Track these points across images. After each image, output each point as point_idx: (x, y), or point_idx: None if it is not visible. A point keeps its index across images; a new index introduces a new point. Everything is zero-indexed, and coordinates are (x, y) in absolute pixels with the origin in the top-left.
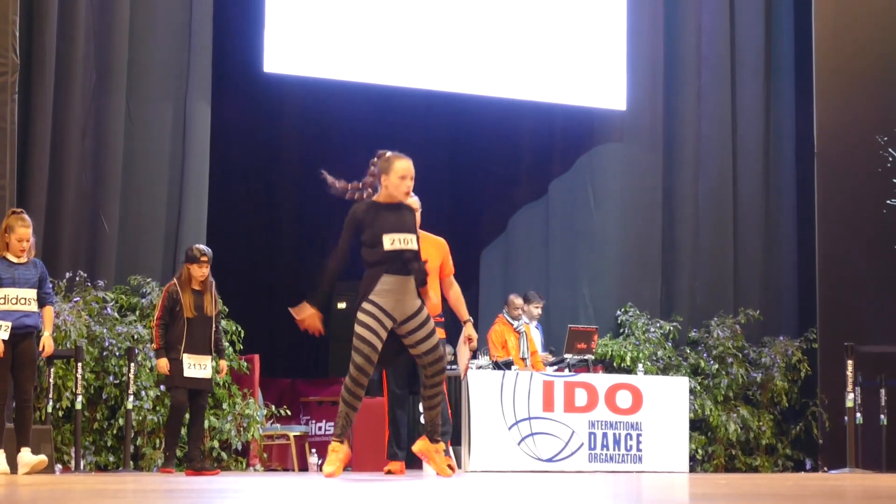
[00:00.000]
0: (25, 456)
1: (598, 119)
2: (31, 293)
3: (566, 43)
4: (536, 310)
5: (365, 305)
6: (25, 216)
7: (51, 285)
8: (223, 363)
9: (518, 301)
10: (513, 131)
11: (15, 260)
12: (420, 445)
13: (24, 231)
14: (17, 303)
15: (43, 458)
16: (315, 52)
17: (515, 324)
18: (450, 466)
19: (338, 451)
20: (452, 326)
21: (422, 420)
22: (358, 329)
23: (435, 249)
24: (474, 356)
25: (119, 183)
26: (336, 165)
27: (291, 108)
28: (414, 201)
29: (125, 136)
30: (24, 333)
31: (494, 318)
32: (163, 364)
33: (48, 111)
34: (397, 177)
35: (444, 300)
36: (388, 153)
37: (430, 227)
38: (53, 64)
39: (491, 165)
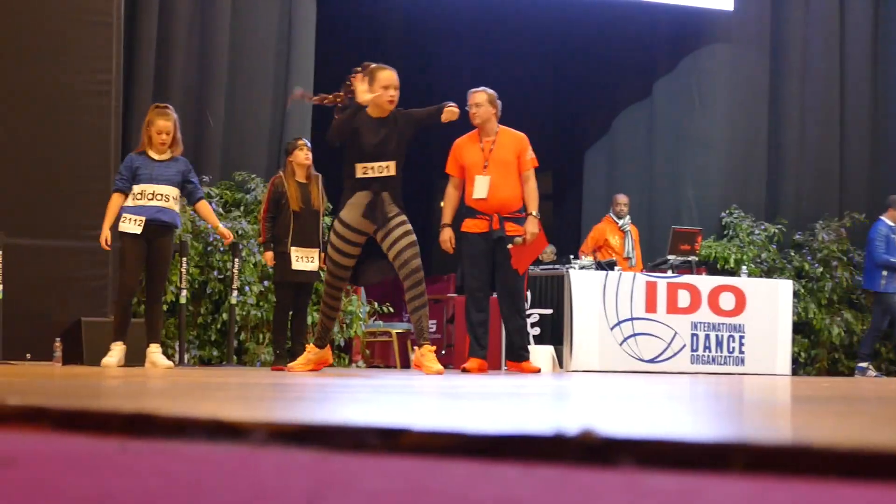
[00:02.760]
0: (156, 355)
1: (704, 19)
2: (170, 190)
3: None
4: None
5: (335, 224)
6: (168, 110)
7: (197, 180)
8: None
9: (622, 199)
10: (617, 31)
11: (156, 156)
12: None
13: (163, 123)
14: (152, 198)
15: (171, 364)
16: None
17: (620, 222)
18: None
19: (310, 353)
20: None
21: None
22: (330, 242)
23: (512, 143)
24: (577, 256)
25: (224, 79)
26: (440, 63)
27: (397, 6)
28: (477, 95)
29: (231, 32)
30: (160, 229)
31: (598, 217)
32: (269, 257)
33: (154, 6)
34: (380, 87)
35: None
36: (371, 65)
37: (533, 127)
38: None
39: (595, 66)
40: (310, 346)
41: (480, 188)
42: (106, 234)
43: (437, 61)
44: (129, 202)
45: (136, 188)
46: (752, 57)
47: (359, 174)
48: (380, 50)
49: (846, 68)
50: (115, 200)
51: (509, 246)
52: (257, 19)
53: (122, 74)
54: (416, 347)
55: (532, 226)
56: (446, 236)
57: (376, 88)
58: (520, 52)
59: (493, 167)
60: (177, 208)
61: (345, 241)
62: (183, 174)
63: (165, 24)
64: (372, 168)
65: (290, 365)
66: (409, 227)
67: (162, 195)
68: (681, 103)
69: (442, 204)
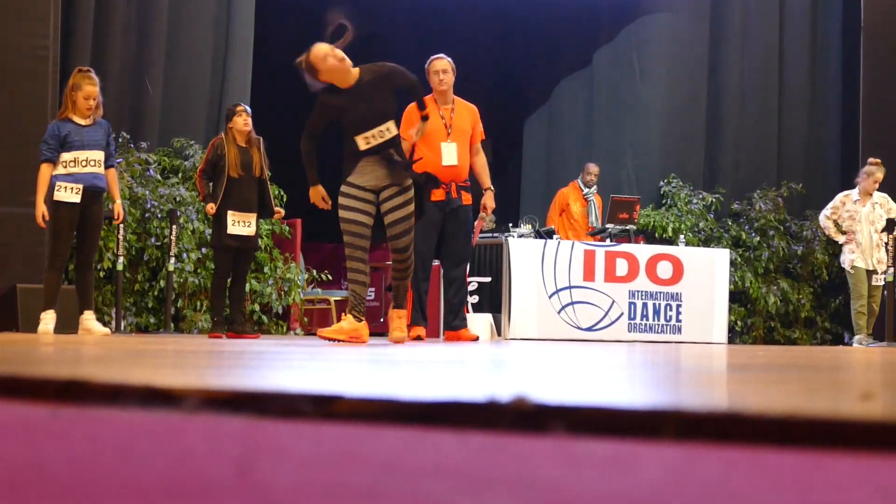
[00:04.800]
0: (91, 322)
1: None
2: (100, 155)
3: None
4: None
5: (343, 189)
6: (93, 74)
7: (114, 145)
8: (280, 210)
9: (594, 168)
10: (557, 1)
11: (82, 122)
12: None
13: (91, 88)
14: (87, 165)
15: (107, 331)
16: None
17: (586, 191)
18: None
19: (345, 321)
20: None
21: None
22: (341, 213)
23: (469, 113)
24: (516, 223)
25: (164, 45)
26: (379, 34)
27: None
28: (445, 62)
29: None
30: (95, 195)
31: (536, 187)
32: (210, 208)
33: None
34: (327, 75)
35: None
36: (308, 57)
37: (474, 94)
38: None
39: (535, 34)
40: (347, 316)
41: (450, 155)
42: (42, 209)
43: (377, 33)
44: (61, 170)
45: (68, 156)
46: (691, 26)
47: (362, 147)
48: (320, 18)
49: (785, 38)
50: (46, 171)
51: (479, 220)
52: None
53: (59, 40)
54: (391, 308)
55: (492, 200)
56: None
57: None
58: (460, 20)
59: (455, 135)
60: (104, 171)
61: (359, 199)
62: (107, 137)
63: None
64: (373, 136)
65: (321, 330)
66: (409, 196)
67: (95, 161)
68: (621, 72)
69: None
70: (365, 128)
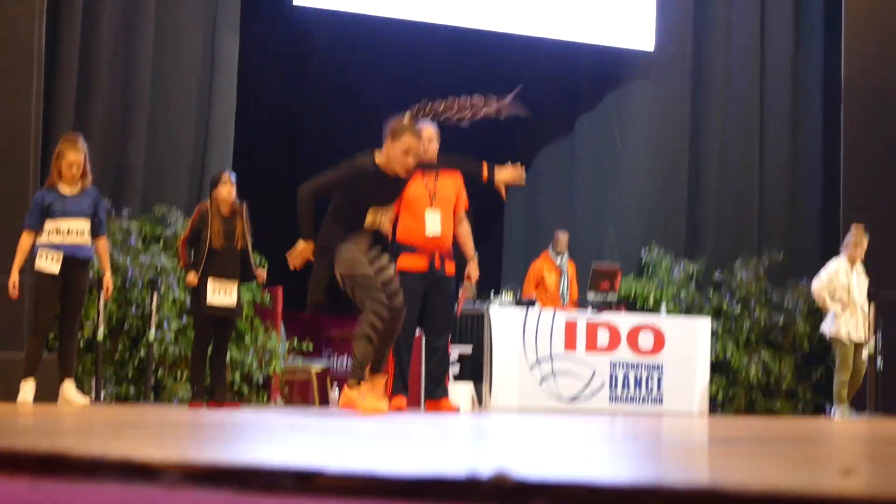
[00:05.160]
0: (70, 392)
1: (625, 59)
2: (84, 224)
3: None
4: None
5: (353, 252)
6: (79, 142)
7: (104, 214)
8: (262, 271)
9: (563, 236)
10: (539, 70)
11: (67, 191)
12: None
13: (74, 157)
14: (69, 234)
15: (86, 401)
16: None
17: (558, 260)
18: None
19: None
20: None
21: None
22: (356, 269)
23: (453, 181)
24: (497, 292)
25: (146, 112)
26: (362, 99)
27: (320, 41)
28: (431, 131)
29: (153, 64)
30: (77, 264)
31: (517, 255)
32: (192, 278)
33: (76, 37)
34: (401, 150)
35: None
36: (406, 119)
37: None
38: None
39: (517, 102)
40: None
41: (433, 224)
42: (15, 278)
43: (360, 98)
44: (44, 239)
45: (50, 224)
46: (673, 95)
47: (366, 223)
48: (302, 83)
49: (766, 108)
50: (26, 240)
51: (463, 290)
52: (180, 49)
53: (41, 107)
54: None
55: (476, 270)
56: None
57: (395, 149)
58: (440, 86)
59: (438, 203)
60: (89, 241)
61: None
62: (94, 206)
63: (87, 54)
64: (378, 220)
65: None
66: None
67: (78, 230)
68: (602, 140)
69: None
70: (380, 206)
